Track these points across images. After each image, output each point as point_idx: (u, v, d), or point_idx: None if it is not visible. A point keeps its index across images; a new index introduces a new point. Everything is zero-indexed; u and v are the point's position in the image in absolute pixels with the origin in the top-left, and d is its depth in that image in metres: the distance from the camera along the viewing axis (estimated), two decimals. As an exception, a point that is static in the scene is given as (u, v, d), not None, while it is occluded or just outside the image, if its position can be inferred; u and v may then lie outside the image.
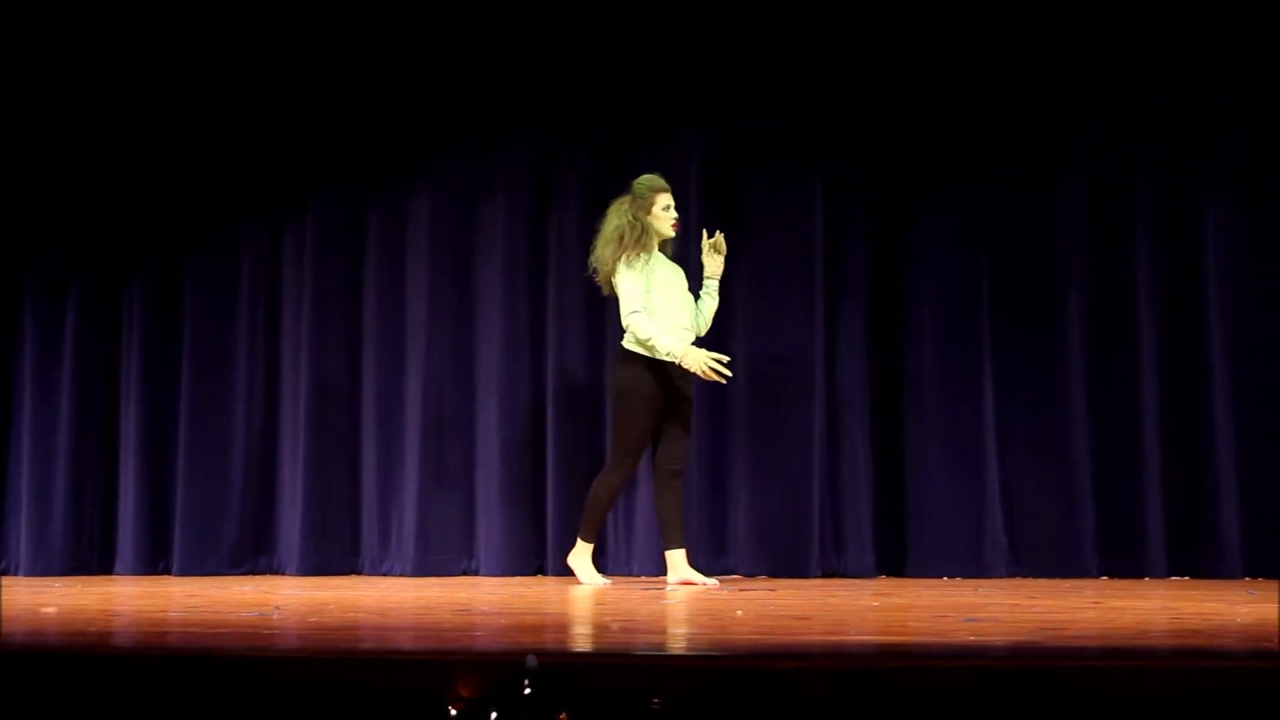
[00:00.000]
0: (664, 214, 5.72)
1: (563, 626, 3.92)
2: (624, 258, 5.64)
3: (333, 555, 6.52)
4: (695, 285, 5.87)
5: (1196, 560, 6.12)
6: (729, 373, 5.58)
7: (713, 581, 5.66)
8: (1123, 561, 6.15)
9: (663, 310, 5.66)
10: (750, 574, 6.27)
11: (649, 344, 5.57)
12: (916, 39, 6.37)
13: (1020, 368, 6.31)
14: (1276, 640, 3.35)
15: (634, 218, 5.70)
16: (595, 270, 5.78)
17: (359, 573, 6.53)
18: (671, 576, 5.68)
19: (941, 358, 6.27)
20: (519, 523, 6.44)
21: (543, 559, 6.43)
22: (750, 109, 6.43)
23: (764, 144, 6.42)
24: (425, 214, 6.59)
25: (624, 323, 5.64)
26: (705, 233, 5.83)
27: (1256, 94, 6.23)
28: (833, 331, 6.37)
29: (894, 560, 6.30)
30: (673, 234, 5.74)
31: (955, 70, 6.35)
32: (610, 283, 5.72)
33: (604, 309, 6.49)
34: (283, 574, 6.53)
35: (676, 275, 5.79)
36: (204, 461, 6.61)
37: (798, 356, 6.32)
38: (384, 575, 6.44)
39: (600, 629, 3.89)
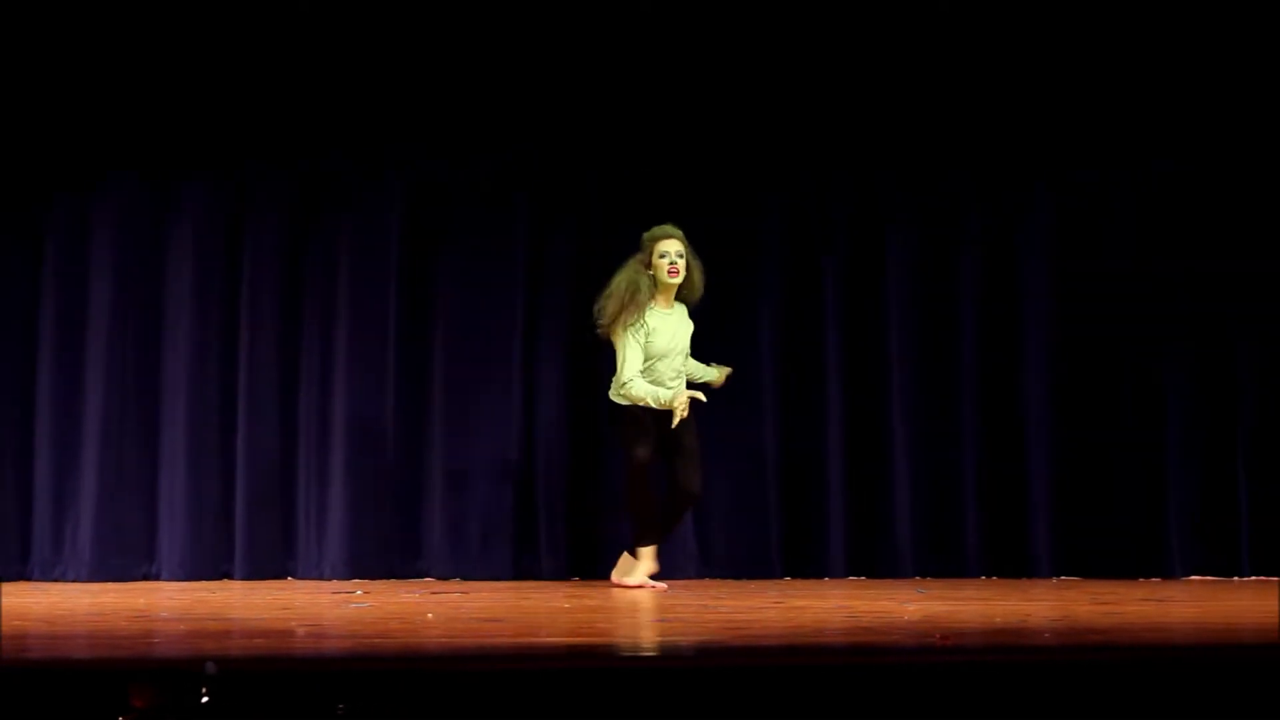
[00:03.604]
0: (660, 261, 5.70)
1: (246, 632, 3.82)
2: (622, 319, 5.64)
3: (-4, 560, 6.14)
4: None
5: (873, 560, 6.44)
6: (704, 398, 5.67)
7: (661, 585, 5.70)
8: (805, 562, 6.41)
9: (658, 367, 5.69)
10: (444, 576, 6.25)
11: (644, 402, 5.60)
12: (611, 82, 6.46)
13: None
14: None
15: (635, 272, 5.70)
16: (597, 317, 5.72)
17: (28, 578, 6.19)
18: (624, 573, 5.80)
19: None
20: (204, 526, 6.23)
21: (230, 563, 6.23)
22: (455, 149, 6.41)
23: (468, 186, 6.40)
24: (110, 226, 6.26)
25: (620, 389, 5.63)
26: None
27: (914, 124, 6.56)
28: (531, 352, 6.41)
29: (587, 563, 6.37)
30: (670, 280, 5.71)
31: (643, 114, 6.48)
32: (609, 336, 5.70)
33: (299, 322, 6.34)
34: (-61, 582, 6.13)
35: (677, 326, 5.79)
36: None
37: (499, 366, 6.37)
38: (56, 581, 6.12)
39: (285, 634, 3.81)
